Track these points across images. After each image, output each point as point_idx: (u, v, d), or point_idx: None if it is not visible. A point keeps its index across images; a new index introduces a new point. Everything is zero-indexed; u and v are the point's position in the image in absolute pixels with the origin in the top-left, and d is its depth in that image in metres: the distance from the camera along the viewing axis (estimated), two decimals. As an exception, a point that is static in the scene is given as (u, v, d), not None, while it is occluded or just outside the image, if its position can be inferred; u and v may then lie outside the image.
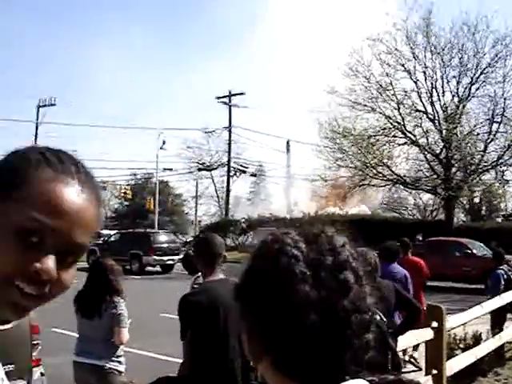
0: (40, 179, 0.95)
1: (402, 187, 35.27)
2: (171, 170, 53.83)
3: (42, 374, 5.62)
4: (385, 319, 3.99)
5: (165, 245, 27.37)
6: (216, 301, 3.44)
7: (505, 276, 9.62)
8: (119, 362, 5.27)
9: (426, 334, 5.90)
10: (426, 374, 5.96)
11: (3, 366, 4.25)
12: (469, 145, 31.79)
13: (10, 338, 5.38)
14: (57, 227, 0.93)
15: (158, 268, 27.96)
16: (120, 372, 5.23)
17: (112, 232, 38.36)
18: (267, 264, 1.05)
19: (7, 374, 4.30)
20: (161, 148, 45.20)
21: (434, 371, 5.95)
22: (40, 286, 0.94)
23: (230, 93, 49.32)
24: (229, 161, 51.04)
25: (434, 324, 5.95)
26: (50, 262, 0.93)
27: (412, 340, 5.78)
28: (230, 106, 49.28)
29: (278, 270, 1.02)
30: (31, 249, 0.92)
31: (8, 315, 0.98)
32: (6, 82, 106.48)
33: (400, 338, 5.25)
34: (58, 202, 0.94)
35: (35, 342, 5.65)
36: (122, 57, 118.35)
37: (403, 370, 6.63)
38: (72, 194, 0.96)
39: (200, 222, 60.85)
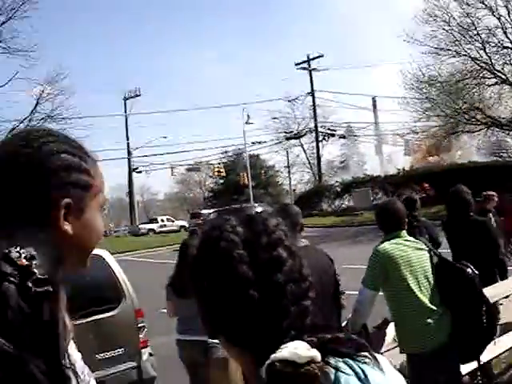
0: None
1: (497, 129, 33.81)
2: (260, 143, 54.25)
3: (150, 355, 5.91)
4: (477, 272, 3.90)
5: (262, 217, 27.64)
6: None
7: None
8: None
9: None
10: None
11: (113, 350, 4.49)
12: None
13: (117, 324, 5.70)
14: None
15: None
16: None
17: (211, 211, 39.18)
18: (209, 251, 1.17)
19: (118, 357, 4.53)
20: (246, 123, 45.48)
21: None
22: None
23: (308, 57, 48.85)
24: (316, 126, 50.74)
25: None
26: None
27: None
28: (310, 71, 48.79)
29: (218, 254, 1.13)
30: None
31: None
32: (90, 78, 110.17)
33: (498, 286, 5.12)
34: None
35: (141, 325, 5.96)
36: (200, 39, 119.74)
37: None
38: None
39: (295, 190, 61.08)
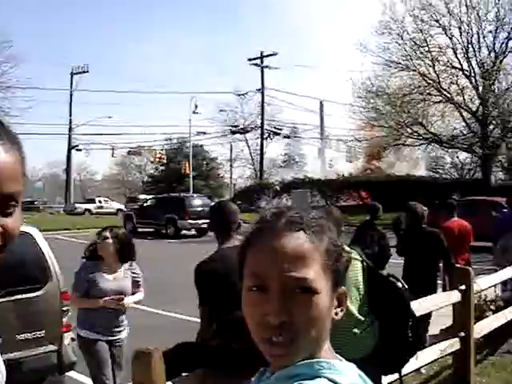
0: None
1: (437, 146, 34.71)
2: (205, 133, 54.02)
3: (72, 340, 5.75)
4: (406, 286, 3.96)
5: (199, 208, 27.48)
6: (232, 268, 3.44)
7: None
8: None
9: (453, 296, 5.85)
10: (454, 337, 5.93)
11: (35, 332, 4.33)
12: (507, 101, 31.09)
13: (40, 305, 5.53)
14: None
15: (193, 231, 28.21)
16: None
17: (148, 197, 38.80)
18: None
19: (39, 339, 4.40)
20: (194, 112, 45.16)
21: (462, 333, 5.92)
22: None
23: (261, 54, 48.85)
24: (262, 123, 50.81)
25: (462, 287, 5.90)
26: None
27: (439, 303, 5.74)
28: (262, 68, 48.84)
29: None
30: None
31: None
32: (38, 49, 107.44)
33: (427, 300, 5.23)
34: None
35: (65, 309, 5.80)
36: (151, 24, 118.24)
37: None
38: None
39: (235, 185, 61.17)
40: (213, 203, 4.35)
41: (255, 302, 1.07)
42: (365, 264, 3.99)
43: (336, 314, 1.12)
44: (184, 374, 3.49)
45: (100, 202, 53.08)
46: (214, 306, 3.52)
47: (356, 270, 3.92)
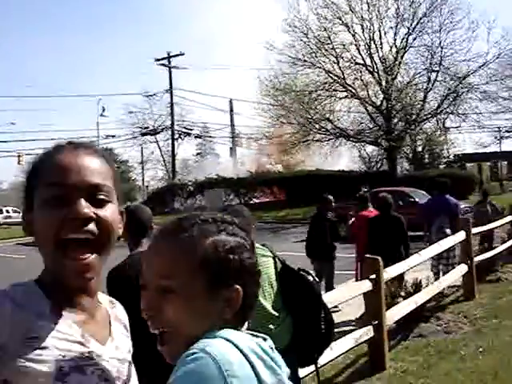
0: (51, 159, 1.32)
1: (345, 140, 35.54)
2: (114, 136, 53.01)
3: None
4: (317, 280, 4.03)
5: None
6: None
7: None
8: None
9: (364, 286, 6.01)
10: (367, 325, 6.09)
11: None
12: (408, 95, 32.20)
13: None
14: (72, 181, 1.26)
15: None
16: None
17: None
18: None
19: None
20: (101, 115, 44.43)
21: (375, 321, 6.09)
22: (84, 229, 1.25)
23: (168, 54, 48.46)
24: (172, 124, 50.42)
25: (372, 276, 6.06)
26: (81, 207, 1.24)
27: (350, 293, 5.88)
28: (170, 68, 48.46)
29: None
30: (63, 206, 1.24)
31: (73, 277, 1.27)
32: None
33: (336, 292, 5.35)
34: (63, 164, 1.29)
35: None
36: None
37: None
38: (71, 157, 1.30)
39: (147, 187, 60.43)
40: (124, 206, 4.26)
41: (141, 298, 1.23)
42: (277, 260, 4.03)
43: (224, 312, 1.22)
44: None
45: (8, 211, 51.13)
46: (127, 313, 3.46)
47: (268, 267, 3.95)
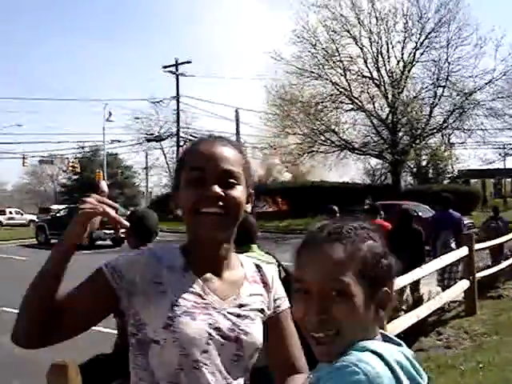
0: (194, 148, 1.63)
1: (349, 152, 35.56)
2: (119, 141, 53.10)
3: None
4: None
5: (115, 218, 27.05)
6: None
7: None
8: None
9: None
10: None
11: None
12: (414, 109, 32.25)
13: None
14: (209, 167, 1.56)
15: (108, 242, 27.68)
16: None
17: (61, 207, 37.77)
18: None
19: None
20: (107, 120, 44.50)
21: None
22: (215, 205, 1.54)
23: (176, 62, 48.59)
24: (178, 131, 50.47)
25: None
26: (214, 187, 1.54)
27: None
28: (177, 75, 48.59)
29: None
30: (201, 186, 1.54)
31: (208, 233, 1.56)
32: None
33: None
34: (203, 152, 1.59)
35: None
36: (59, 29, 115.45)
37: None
38: (210, 147, 1.60)
39: (151, 193, 60.48)
40: (128, 212, 4.28)
41: (298, 302, 1.29)
42: (281, 268, 4.07)
43: (378, 312, 1.29)
44: (101, 386, 3.44)
45: (11, 213, 51.25)
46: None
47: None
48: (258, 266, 1.76)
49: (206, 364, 1.51)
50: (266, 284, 1.73)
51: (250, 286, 1.69)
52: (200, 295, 1.56)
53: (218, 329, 1.54)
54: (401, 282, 7.06)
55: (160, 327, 1.49)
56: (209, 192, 1.53)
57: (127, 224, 1.50)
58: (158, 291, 1.53)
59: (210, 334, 1.52)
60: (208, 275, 1.61)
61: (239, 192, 1.58)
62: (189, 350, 1.49)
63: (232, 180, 1.57)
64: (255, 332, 1.62)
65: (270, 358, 1.72)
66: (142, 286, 1.52)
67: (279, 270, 4.04)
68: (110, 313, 1.58)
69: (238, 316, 1.60)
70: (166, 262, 1.58)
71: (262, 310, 1.67)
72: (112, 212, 1.51)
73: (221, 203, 1.54)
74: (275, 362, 1.71)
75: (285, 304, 1.74)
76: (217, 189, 1.53)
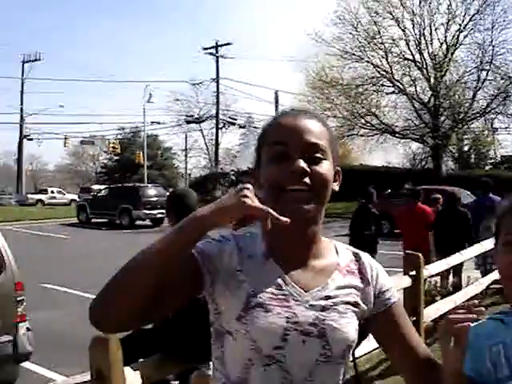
0: (276, 122, 1.52)
1: (390, 136, 35.20)
2: (159, 123, 53.58)
3: (28, 329, 5.73)
4: None
5: (154, 198, 27.35)
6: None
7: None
8: None
9: (404, 281, 6.01)
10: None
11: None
12: (457, 93, 31.75)
13: (-5, 296, 5.48)
14: (293, 140, 1.44)
15: (148, 222, 28.05)
16: None
17: (102, 187, 38.36)
18: None
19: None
20: (148, 101, 44.83)
21: (413, 318, 6.08)
22: (301, 181, 1.41)
23: (216, 43, 48.64)
24: (217, 113, 50.67)
25: (412, 272, 6.06)
26: (299, 162, 1.41)
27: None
28: (217, 57, 48.65)
29: None
30: (285, 161, 1.42)
31: (294, 210, 1.40)
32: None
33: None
34: (286, 125, 1.48)
35: (20, 299, 5.75)
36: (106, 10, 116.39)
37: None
38: (293, 120, 1.48)
39: (190, 175, 60.84)
40: (168, 193, 4.33)
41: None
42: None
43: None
44: (141, 360, 3.53)
45: (53, 192, 52.19)
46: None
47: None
48: (356, 255, 1.60)
49: (280, 361, 1.38)
50: (363, 276, 1.55)
51: (342, 277, 1.51)
52: (279, 285, 1.44)
53: (296, 323, 1.40)
54: (439, 266, 7.04)
55: (233, 318, 1.41)
56: (293, 167, 1.40)
57: (287, 220, 1.30)
58: (237, 280, 1.43)
59: (285, 329, 1.38)
60: (291, 263, 1.47)
61: (326, 168, 1.46)
62: (260, 344, 1.38)
63: (318, 154, 1.45)
64: (345, 327, 1.44)
65: (392, 356, 1.59)
66: (223, 274, 1.44)
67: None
68: (193, 297, 1.45)
69: (323, 309, 1.43)
70: (247, 251, 1.48)
71: (355, 304, 1.49)
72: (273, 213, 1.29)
73: (306, 180, 1.41)
74: (404, 360, 1.55)
75: (395, 295, 1.57)
76: (302, 163, 1.40)
